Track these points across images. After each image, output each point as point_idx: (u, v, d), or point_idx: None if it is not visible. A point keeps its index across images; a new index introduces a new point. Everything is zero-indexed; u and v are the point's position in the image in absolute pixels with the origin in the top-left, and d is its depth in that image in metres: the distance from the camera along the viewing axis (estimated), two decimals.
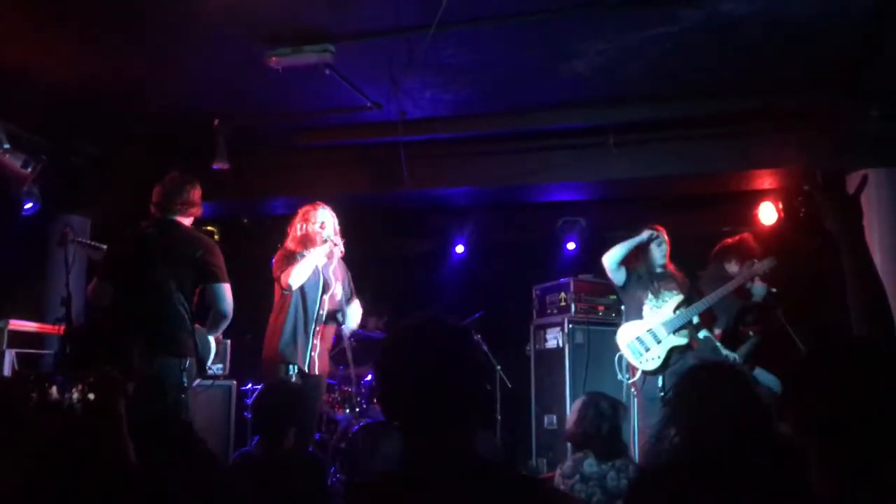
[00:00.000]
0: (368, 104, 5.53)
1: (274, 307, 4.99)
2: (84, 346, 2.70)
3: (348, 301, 5.15)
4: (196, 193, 4.34)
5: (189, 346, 3.96)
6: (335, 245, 4.92)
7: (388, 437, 5.65)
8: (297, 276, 4.78)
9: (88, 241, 4.79)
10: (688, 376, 2.39)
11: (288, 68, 4.70)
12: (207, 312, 4.24)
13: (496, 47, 4.77)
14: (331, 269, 5.03)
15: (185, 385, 3.88)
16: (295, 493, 3.46)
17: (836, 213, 2.12)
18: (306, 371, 4.84)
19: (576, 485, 3.65)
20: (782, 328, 5.41)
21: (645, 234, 5.29)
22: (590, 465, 3.70)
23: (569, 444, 6.14)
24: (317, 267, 4.95)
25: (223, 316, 4.14)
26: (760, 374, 5.30)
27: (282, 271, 4.85)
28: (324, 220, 4.99)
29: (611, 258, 5.36)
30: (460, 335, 1.73)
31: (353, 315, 5.16)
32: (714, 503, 2.04)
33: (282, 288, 4.87)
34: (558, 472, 3.81)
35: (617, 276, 5.39)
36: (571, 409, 3.98)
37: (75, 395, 2.08)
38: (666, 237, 5.40)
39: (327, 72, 4.80)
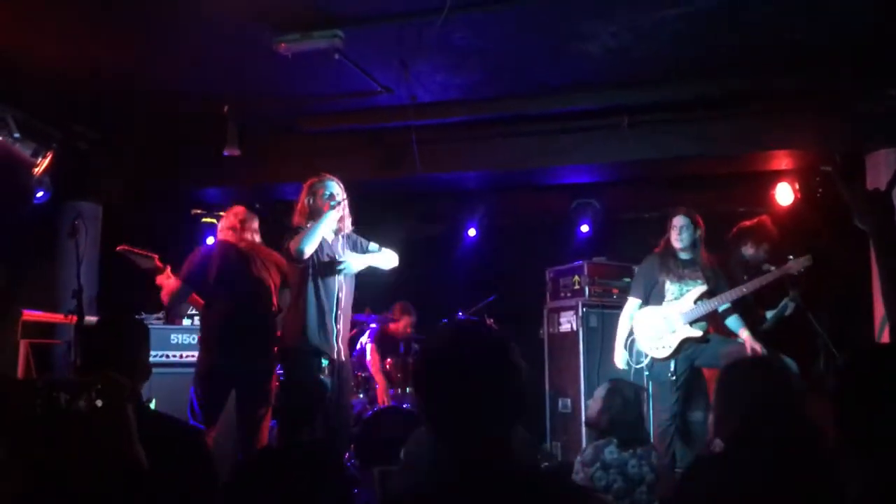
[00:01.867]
0: (378, 88, 5.48)
1: (291, 294, 4.67)
2: (95, 346, 2.69)
3: (368, 251, 4.80)
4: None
5: None
6: (345, 206, 4.58)
7: (404, 424, 5.67)
8: (307, 241, 4.35)
9: (137, 250, 4.64)
10: (741, 372, 2.47)
11: (297, 54, 4.65)
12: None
13: (507, 30, 4.71)
14: (340, 244, 4.68)
15: None
16: (312, 483, 3.46)
17: (864, 210, 2.18)
18: (335, 359, 4.52)
19: (596, 472, 3.64)
20: (800, 311, 5.36)
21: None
22: (611, 452, 3.69)
23: (583, 429, 6.20)
24: (332, 244, 4.62)
25: None
26: (722, 342, 5.23)
27: (290, 242, 4.44)
28: (332, 192, 4.62)
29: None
30: (504, 343, 1.72)
31: (385, 260, 4.80)
32: (761, 492, 2.15)
33: (294, 260, 4.47)
34: (578, 459, 3.79)
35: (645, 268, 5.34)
36: (594, 397, 3.93)
37: (82, 403, 2.07)
38: (686, 221, 5.14)
39: (337, 57, 4.75)
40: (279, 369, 4.88)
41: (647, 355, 5.18)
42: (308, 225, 4.51)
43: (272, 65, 4.92)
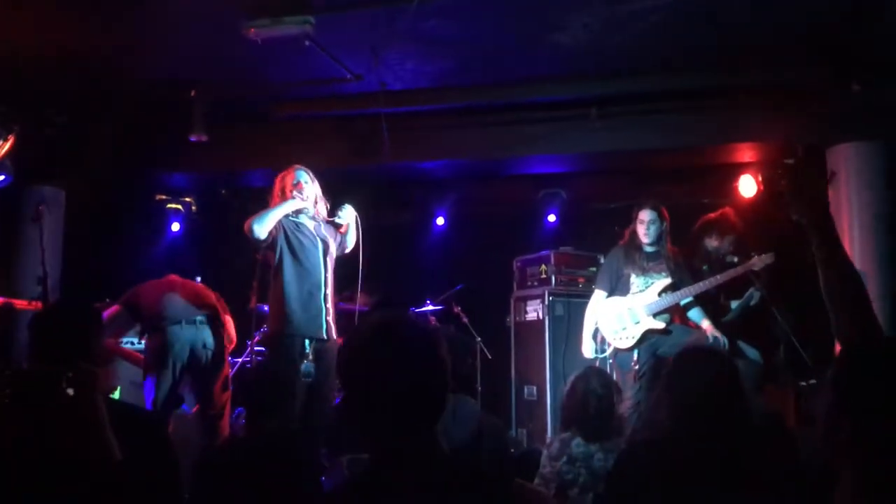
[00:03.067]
0: (349, 76, 5.44)
1: (270, 279, 4.71)
2: (44, 333, 2.60)
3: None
4: None
5: None
6: (303, 201, 4.67)
7: None
8: (256, 222, 4.49)
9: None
10: (681, 360, 2.45)
11: (267, 40, 4.60)
12: None
13: (479, 19, 4.71)
14: (322, 228, 4.79)
15: None
16: (277, 472, 3.45)
17: (801, 207, 2.17)
18: (324, 338, 4.59)
19: (563, 466, 3.61)
20: (764, 303, 5.47)
21: None
22: (577, 444, 3.61)
23: (549, 416, 6.27)
24: (313, 230, 4.73)
25: None
26: (744, 347, 5.34)
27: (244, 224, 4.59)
28: (300, 180, 4.74)
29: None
30: (430, 335, 1.67)
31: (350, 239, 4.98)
32: (698, 476, 2.15)
33: (250, 242, 4.63)
34: (545, 453, 3.75)
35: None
36: (567, 381, 3.92)
37: (52, 391, 2.05)
38: (652, 216, 5.19)
39: (307, 43, 4.71)
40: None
41: (610, 345, 5.25)
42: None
43: (241, 50, 4.85)
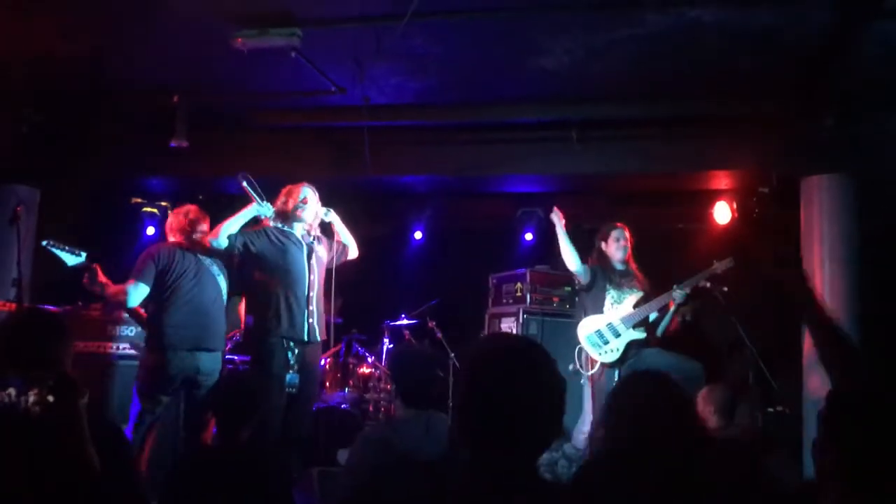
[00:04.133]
0: (333, 88, 5.47)
1: (253, 286, 4.82)
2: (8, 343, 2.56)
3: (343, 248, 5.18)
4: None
5: None
6: (259, 207, 4.82)
7: (340, 424, 5.67)
8: (222, 230, 4.70)
9: (65, 245, 4.57)
10: (627, 385, 2.49)
11: (254, 50, 4.62)
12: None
13: (465, 40, 4.76)
14: (312, 238, 4.93)
15: None
16: (247, 483, 3.44)
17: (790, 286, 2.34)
18: (305, 340, 4.70)
19: (560, 465, 3.64)
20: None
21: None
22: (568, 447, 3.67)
23: None
24: (300, 237, 4.88)
25: None
26: (657, 354, 5.42)
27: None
28: (306, 196, 4.91)
29: (569, 261, 5.49)
30: (552, 362, 1.73)
31: (351, 240, 5.22)
32: (650, 490, 2.16)
33: (216, 252, 4.81)
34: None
35: (584, 276, 5.52)
36: None
37: (32, 398, 2.04)
38: (627, 235, 5.56)
39: (293, 55, 4.73)
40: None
41: (595, 364, 5.37)
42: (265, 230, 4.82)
43: (227, 58, 4.85)
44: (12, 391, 2.00)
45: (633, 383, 2.46)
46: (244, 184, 4.77)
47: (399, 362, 3.89)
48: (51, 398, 2.03)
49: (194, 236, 4.78)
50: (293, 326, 4.66)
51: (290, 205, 4.87)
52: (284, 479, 3.61)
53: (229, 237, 4.70)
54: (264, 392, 4.39)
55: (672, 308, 5.48)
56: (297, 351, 4.64)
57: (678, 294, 5.40)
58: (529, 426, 1.64)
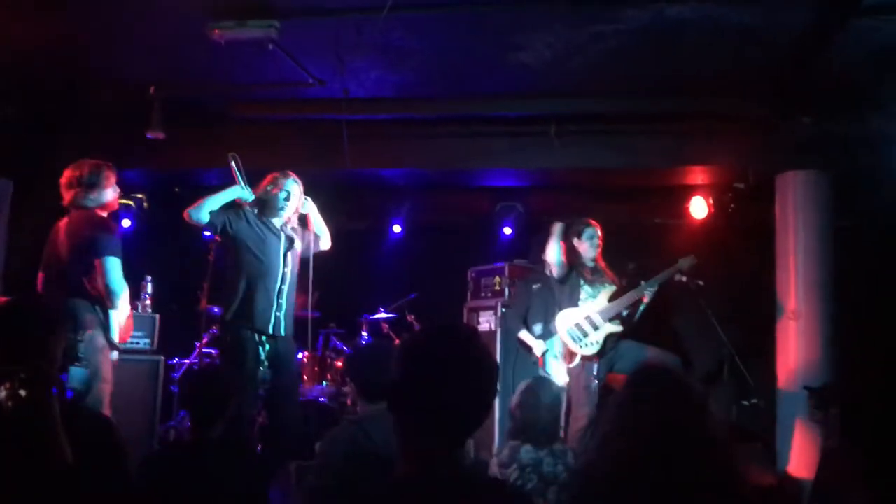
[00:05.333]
0: (311, 81, 5.44)
1: (225, 272, 4.76)
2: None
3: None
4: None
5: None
6: (242, 189, 4.75)
7: (318, 418, 5.66)
8: (204, 204, 4.61)
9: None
10: (635, 382, 2.33)
11: (231, 41, 4.58)
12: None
13: (445, 34, 4.77)
14: (289, 227, 4.87)
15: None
16: (227, 474, 3.43)
17: None
18: (270, 333, 4.61)
19: (513, 473, 3.67)
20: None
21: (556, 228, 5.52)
22: (527, 451, 3.66)
23: (496, 426, 6.31)
24: (279, 228, 4.80)
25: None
26: (635, 347, 5.54)
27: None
28: (289, 190, 4.81)
29: (552, 259, 5.54)
30: (490, 355, 1.74)
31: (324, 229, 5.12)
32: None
33: (196, 227, 4.73)
34: (494, 460, 3.81)
35: (560, 269, 5.55)
36: (516, 390, 3.92)
37: (3, 393, 2.01)
38: (599, 232, 5.60)
39: (271, 47, 4.70)
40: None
41: (576, 356, 5.43)
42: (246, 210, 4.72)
43: (203, 50, 4.82)
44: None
45: (648, 383, 2.18)
46: (232, 164, 4.72)
47: (355, 361, 3.90)
48: (23, 392, 2.00)
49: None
50: (260, 318, 4.57)
51: (272, 196, 4.78)
52: (257, 474, 3.60)
53: (210, 213, 4.60)
54: (234, 385, 4.37)
55: (645, 302, 5.54)
56: (267, 346, 4.59)
57: (649, 292, 5.47)
58: (457, 411, 1.66)
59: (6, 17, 4.72)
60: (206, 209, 4.61)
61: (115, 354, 4.31)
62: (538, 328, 5.79)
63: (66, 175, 4.37)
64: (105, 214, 4.38)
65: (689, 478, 1.96)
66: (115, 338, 4.26)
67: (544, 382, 3.97)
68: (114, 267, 4.17)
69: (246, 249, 4.65)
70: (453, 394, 1.66)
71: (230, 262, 4.72)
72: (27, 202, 6.51)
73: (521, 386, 3.94)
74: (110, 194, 4.41)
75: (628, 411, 2.10)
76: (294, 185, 4.86)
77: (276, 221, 4.83)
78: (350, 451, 3.01)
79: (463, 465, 1.70)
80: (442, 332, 1.77)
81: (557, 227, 5.53)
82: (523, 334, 5.81)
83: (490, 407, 1.74)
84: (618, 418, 2.10)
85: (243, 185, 4.76)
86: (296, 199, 4.87)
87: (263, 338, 4.59)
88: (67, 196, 4.35)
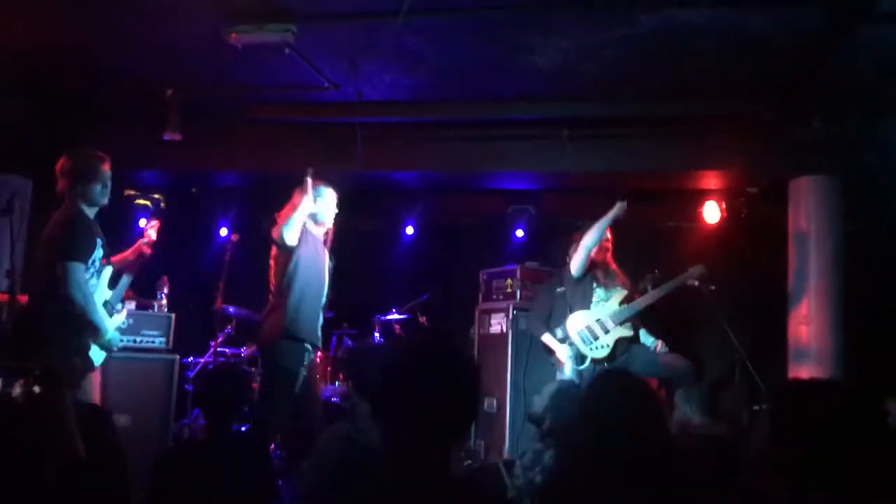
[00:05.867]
0: (326, 84, 5.50)
1: (278, 281, 4.70)
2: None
3: None
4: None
5: None
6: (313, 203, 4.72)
7: (329, 418, 5.69)
8: (286, 228, 4.52)
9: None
10: (593, 384, 2.44)
11: (248, 45, 4.64)
12: None
13: (458, 38, 4.81)
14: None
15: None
16: (239, 473, 3.48)
17: None
18: (318, 344, 4.77)
19: (536, 476, 3.65)
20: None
21: (616, 207, 5.47)
22: (551, 457, 3.65)
23: (507, 429, 6.34)
24: (321, 241, 4.87)
25: None
26: (647, 352, 5.54)
27: (272, 230, 4.62)
28: (322, 197, 4.84)
29: (589, 243, 5.49)
30: (472, 364, 1.78)
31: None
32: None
33: (279, 247, 4.63)
34: (518, 463, 3.79)
35: (580, 267, 5.54)
36: (542, 393, 3.85)
37: (17, 389, 2.06)
38: (609, 236, 5.64)
39: (287, 51, 4.76)
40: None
41: (586, 358, 5.43)
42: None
43: (221, 53, 4.87)
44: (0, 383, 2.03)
45: (602, 386, 2.40)
46: (309, 178, 4.66)
47: (350, 360, 3.93)
48: (36, 389, 2.06)
49: None
50: (312, 330, 4.67)
51: (321, 212, 4.83)
52: (269, 472, 3.65)
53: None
54: (280, 390, 4.44)
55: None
56: (310, 354, 4.69)
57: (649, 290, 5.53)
58: (437, 417, 1.68)
59: (28, 19, 4.82)
60: (294, 233, 4.57)
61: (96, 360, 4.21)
62: (561, 331, 5.76)
63: (60, 162, 4.27)
64: (86, 210, 4.26)
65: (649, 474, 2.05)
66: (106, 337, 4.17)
67: (575, 388, 3.92)
68: (70, 272, 3.99)
69: (304, 264, 4.66)
70: (432, 400, 1.68)
71: (287, 275, 4.64)
72: (46, 201, 6.59)
73: (550, 387, 3.91)
74: (98, 190, 4.26)
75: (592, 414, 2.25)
76: (326, 191, 4.89)
77: (318, 232, 4.88)
78: (346, 448, 3.05)
79: (447, 470, 1.71)
80: (420, 339, 1.81)
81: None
82: (546, 338, 5.74)
83: (473, 412, 1.76)
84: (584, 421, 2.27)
85: (315, 198, 4.73)
86: (332, 207, 4.93)
87: (309, 346, 4.67)
88: (59, 185, 4.26)
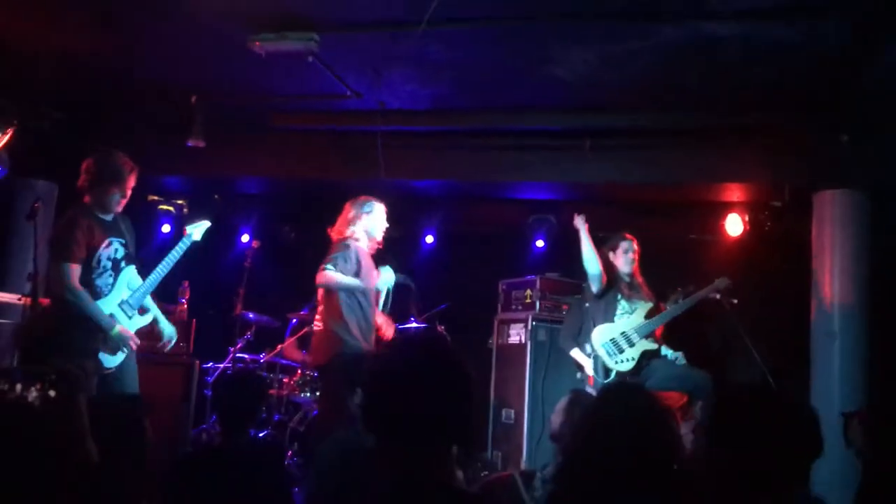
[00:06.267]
0: (349, 93, 5.52)
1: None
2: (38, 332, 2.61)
3: None
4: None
5: None
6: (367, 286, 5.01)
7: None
8: (331, 285, 4.84)
9: None
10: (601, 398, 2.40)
11: (272, 53, 4.67)
12: None
13: (480, 48, 4.81)
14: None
15: None
16: (255, 479, 3.48)
17: None
18: None
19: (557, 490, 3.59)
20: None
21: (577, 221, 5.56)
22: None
23: (524, 440, 6.31)
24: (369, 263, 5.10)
25: None
26: (667, 364, 5.48)
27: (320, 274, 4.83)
28: (383, 221, 5.22)
29: (590, 263, 5.52)
30: (463, 365, 1.71)
31: None
32: None
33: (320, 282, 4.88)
34: (539, 475, 3.75)
35: (598, 283, 5.54)
36: (556, 409, 3.84)
37: (34, 393, 2.08)
38: (635, 246, 5.59)
39: (310, 59, 4.78)
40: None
41: (611, 371, 5.39)
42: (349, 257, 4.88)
43: (245, 61, 4.91)
44: (19, 387, 2.05)
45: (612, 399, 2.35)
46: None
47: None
48: (52, 393, 2.07)
49: None
50: (368, 341, 4.92)
51: (365, 222, 5.11)
52: (283, 478, 3.65)
53: None
54: (345, 401, 4.55)
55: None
56: None
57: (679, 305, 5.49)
58: (427, 425, 1.63)
59: (56, 28, 4.89)
60: (333, 286, 4.85)
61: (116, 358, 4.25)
62: (589, 346, 5.73)
63: (87, 161, 4.36)
64: (96, 212, 4.29)
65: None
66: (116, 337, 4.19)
67: (586, 394, 3.86)
68: (60, 273, 4.03)
69: (364, 282, 4.94)
70: (420, 407, 1.63)
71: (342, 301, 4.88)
72: (71, 205, 6.68)
73: (562, 401, 3.84)
74: (115, 199, 4.29)
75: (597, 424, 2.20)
76: (380, 209, 5.24)
77: (369, 246, 5.14)
78: (349, 451, 3.03)
79: (446, 476, 1.66)
80: (408, 343, 1.77)
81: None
82: (575, 352, 5.73)
83: (467, 419, 1.69)
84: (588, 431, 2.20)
85: (366, 213, 5.15)
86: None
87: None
88: (78, 182, 4.34)
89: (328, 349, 4.85)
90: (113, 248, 4.29)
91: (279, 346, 6.76)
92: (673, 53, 4.63)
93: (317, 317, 5.09)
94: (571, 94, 5.42)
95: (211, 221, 5.10)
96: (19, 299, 4.70)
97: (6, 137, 5.48)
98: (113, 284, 4.30)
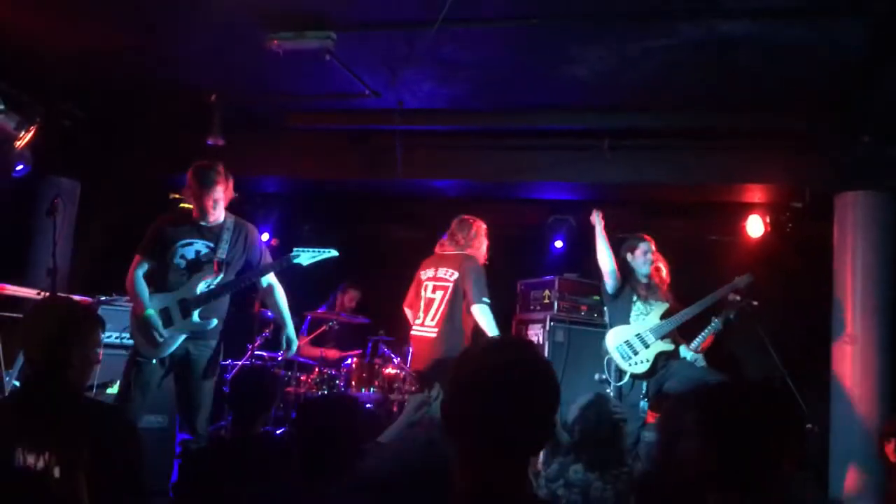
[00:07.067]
0: (367, 92, 5.54)
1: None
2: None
3: None
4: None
5: None
6: None
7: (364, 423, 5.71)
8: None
9: None
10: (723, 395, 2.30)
11: (289, 52, 4.70)
12: None
13: (497, 47, 4.80)
14: None
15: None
16: (263, 474, 3.50)
17: None
18: None
19: (559, 489, 3.57)
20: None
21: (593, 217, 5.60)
22: (576, 471, 3.51)
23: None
24: None
25: None
26: (685, 366, 5.40)
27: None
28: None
29: (599, 261, 5.51)
30: (549, 367, 1.69)
31: None
32: None
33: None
34: (542, 473, 3.73)
35: (614, 282, 5.50)
36: (576, 403, 3.74)
37: (41, 463, 2.10)
38: (653, 247, 5.53)
39: (328, 58, 4.80)
40: None
41: (625, 374, 5.35)
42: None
43: (263, 60, 4.96)
44: (42, 461, 2.08)
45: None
46: None
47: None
48: (56, 473, 2.09)
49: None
50: None
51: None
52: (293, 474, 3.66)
53: None
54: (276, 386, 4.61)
55: (710, 327, 5.45)
56: None
57: (717, 323, 5.44)
58: (509, 430, 1.58)
59: (78, 28, 4.95)
60: None
61: None
62: (604, 349, 5.68)
63: (190, 170, 4.64)
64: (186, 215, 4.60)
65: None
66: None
67: (607, 401, 3.80)
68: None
69: None
70: (503, 412, 1.57)
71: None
72: (94, 203, 6.78)
73: (583, 398, 3.81)
74: (210, 208, 4.52)
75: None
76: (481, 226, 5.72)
77: None
78: (423, 453, 3.01)
79: (520, 486, 1.61)
80: (493, 347, 1.70)
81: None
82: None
83: (549, 424, 1.64)
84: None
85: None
86: None
87: None
88: None
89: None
90: (193, 249, 4.45)
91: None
92: (691, 53, 4.60)
93: (431, 322, 5.43)
94: (590, 94, 5.40)
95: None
96: (38, 294, 4.76)
97: (29, 135, 5.55)
98: (185, 282, 4.41)
